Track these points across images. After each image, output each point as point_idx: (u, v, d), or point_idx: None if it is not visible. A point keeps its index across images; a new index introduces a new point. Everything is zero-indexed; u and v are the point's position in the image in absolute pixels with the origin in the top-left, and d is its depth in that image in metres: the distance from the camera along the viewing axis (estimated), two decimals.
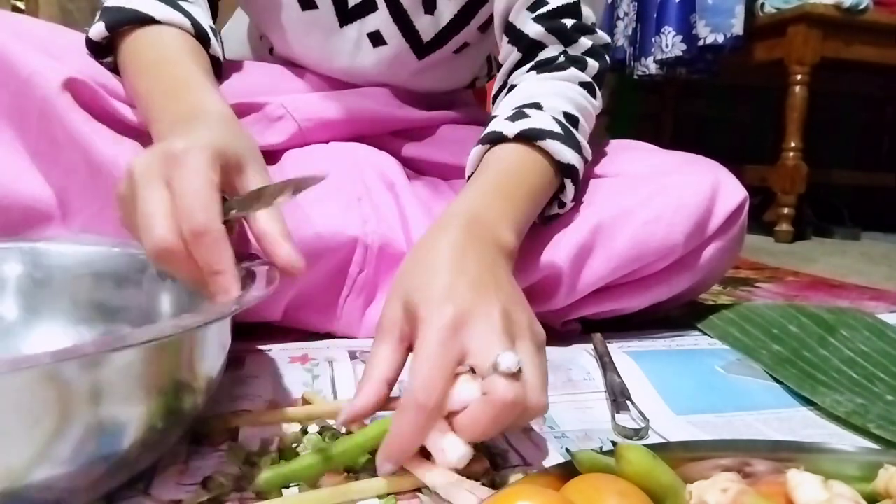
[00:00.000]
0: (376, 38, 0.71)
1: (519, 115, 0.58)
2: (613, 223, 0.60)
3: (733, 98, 2.42)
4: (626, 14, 2.08)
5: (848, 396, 0.51)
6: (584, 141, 0.60)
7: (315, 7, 0.70)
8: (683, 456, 0.32)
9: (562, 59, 0.63)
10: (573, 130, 0.59)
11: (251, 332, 0.61)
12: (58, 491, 0.30)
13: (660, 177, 0.63)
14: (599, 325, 0.65)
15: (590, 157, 0.62)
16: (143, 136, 0.54)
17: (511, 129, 0.56)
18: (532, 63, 0.64)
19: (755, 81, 2.22)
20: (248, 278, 0.40)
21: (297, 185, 0.39)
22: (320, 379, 0.52)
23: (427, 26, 0.71)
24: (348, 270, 0.62)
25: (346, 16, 0.70)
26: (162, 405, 0.33)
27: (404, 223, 0.65)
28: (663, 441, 0.44)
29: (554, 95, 0.61)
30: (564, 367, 0.56)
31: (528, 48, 0.64)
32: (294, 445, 0.40)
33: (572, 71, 0.63)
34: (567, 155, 0.57)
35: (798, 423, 0.49)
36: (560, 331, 0.64)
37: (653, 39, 1.94)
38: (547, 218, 0.61)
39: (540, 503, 0.26)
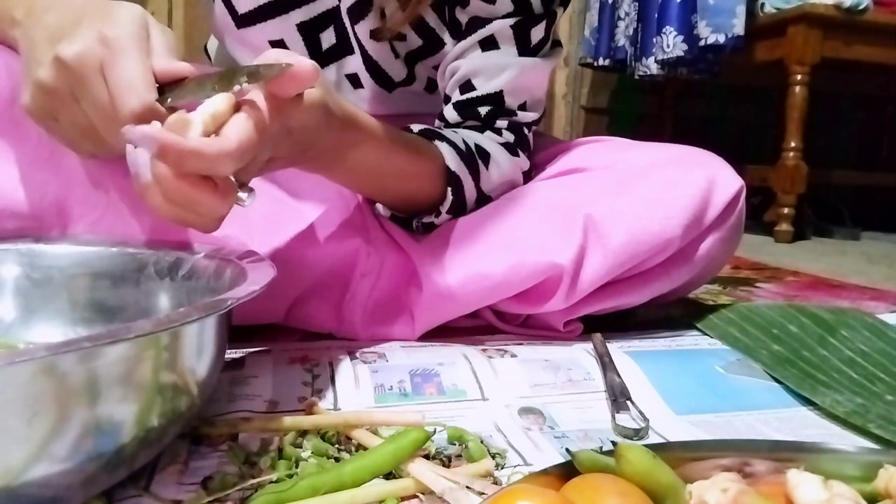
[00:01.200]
0: (355, 81, 0.72)
1: (432, 127, 0.62)
2: (609, 220, 0.60)
3: (734, 98, 2.42)
4: (627, 14, 2.08)
5: (848, 396, 0.51)
6: (485, 173, 0.64)
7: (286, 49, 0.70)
8: (683, 456, 0.32)
9: (479, 125, 0.67)
10: (476, 157, 0.63)
11: (251, 332, 0.61)
12: (54, 488, 0.30)
13: (656, 170, 0.63)
14: (600, 325, 0.65)
15: (492, 192, 0.65)
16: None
17: (417, 127, 0.60)
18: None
19: (755, 81, 2.22)
20: (242, 276, 0.40)
21: (252, 73, 0.41)
22: (320, 379, 0.52)
23: (398, 70, 0.72)
24: (349, 276, 0.62)
25: (321, 58, 0.70)
26: (157, 401, 0.33)
27: (398, 232, 0.66)
28: (663, 441, 0.44)
29: (472, 134, 0.65)
30: (564, 367, 0.56)
31: (448, 126, 0.68)
32: (295, 444, 0.40)
33: (489, 133, 0.67)
34: (456, 164, 0.60)
35: (798, 423, 0.49)
36: (563, 332, 0.64)
37: (654, 39, 1.94)
38: (423, 225, 0.64)
39: (540, 503, 0.26)
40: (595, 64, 2.22)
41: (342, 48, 0.70)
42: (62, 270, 0.49)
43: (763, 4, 1.81)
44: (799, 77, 1.74)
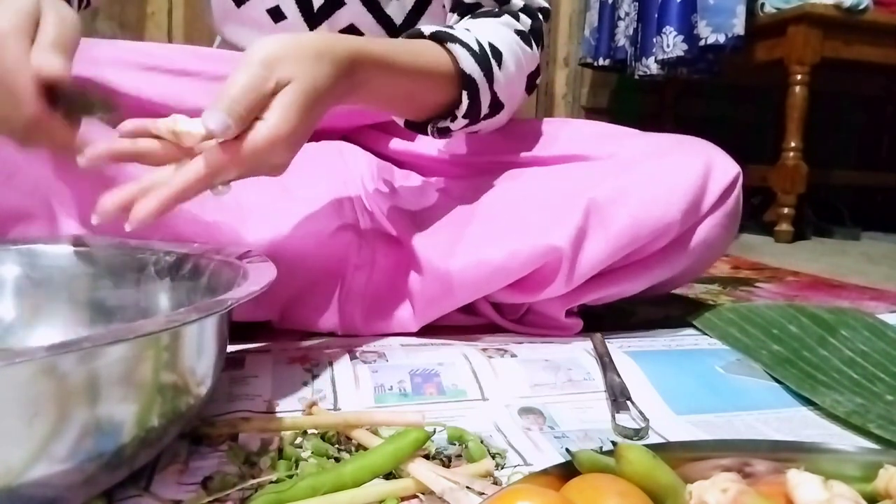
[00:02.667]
0: (352, 32, 0.73)
1: (445, 27, 0.61)
2: (610, 205, 0.60)
3: (734, 98, 2.42)
4: (626, 14, 2.08)
5: (848, 396, 0.51)
6: (498, 73, 0.63)
7: (285, 17, 0.72)
8: (683, 456, 0.32)
9: (496, 10, 0.67)
10: (490, 57, 0.62)
11: (251, 332, 0.61)
12: (55, 488, 0.30)
13: (653, 158, 0.64)
14: (600, 325, 0.65)
15: (507, 99, 0.65)
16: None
17: (428, 29, 0.60)
18: (469, 17, 0.68)
19: (755, 81, 2.21)
20: (242, 276, 0.40)
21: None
22: (320, 379, 0.52)
23: (396, 11, 0.73)
24: (343, 267, 0.62)
25: (313, 18, 0.72)
26: (157, 401, 0.33)
27: (391, 219, 0.66)
28: (663, 441, 0.44)
29: (485, 29, 0.64)
30: (564, 367, 0.56)
31: (465, 10, 0.68)
32: (295, 444, 0.40)
33: (506, 17, 0.67)
34: (470, 66, 0.60)
35: (798, 423, 0.49)
36: (563, 323, 0.64)
37: (654, 39, 1.94)
38: (439, 130, 0.64)
39: (540, 503, 0.26)
40: (595, 64, 2.21)
41: (333, 3, 0.72)
42: (62, 270, 0.49)
43: (763, 4, 1.81)
44: (799, 77, 1.74)
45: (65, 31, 0.44)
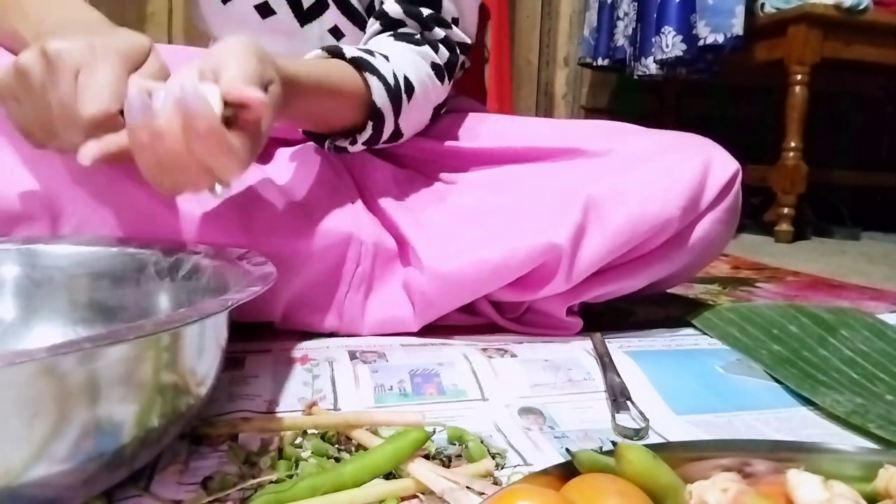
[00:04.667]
0: (336, 33, 0.74)
1: (366, 52, 0.62)
2: (608, 202, 0.60)
3: (733, 98, 2.42)
4: (626, 14, 2.08)
5: (848, 396, 0.51)
6: (406, 107, 0.64)
7: (274, 13, 0.73)
8: (683, 456, 0.32)
9: (418, 36, 0.68)
10: (402, 92, 0.63)
11: (251, 332, 0.61)
12: (54, 488, 0.30)
13: (652, 154, 0.64)
14: (600, 325, 0.65)
15: (407, 130, 0.67)
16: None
17: (351, 52, 0.60)
18: (391, 33, 0.68)
19: (755, 81, 2.21)
20: (242, 277, 0.40)
21: None
22: (320, 379, 0.52)
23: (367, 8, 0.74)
24: (343, 268, 0.62)
25: (304, 16, 0.73)
26: (158, 401, 0.33)
27: (391, 220, 0.66)
28: (663, 441, 0.44)
29: (403, 59, 0.65)
30: (564, 367, 0.56)
31: (388, 25, 0.69)
32: (295, 444, 0.40)
33: (426, 49, 0.68)
34: (381, 101, 0.61)
35: (798, 423, 0.49)
36: (564, 321, 0.64)
37: (653, 39, 1.94)
38: (336, 148, 0.65)
39: (540, 503, 0.26)
40: (594, 64, 2.22)
41: (320, 4, 0.73)
42: (62, 270, 0.49)
43: (763, 4, 1.81)
44: (799, 77, 1.74)
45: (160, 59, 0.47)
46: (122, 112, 0.42)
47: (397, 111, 0.63)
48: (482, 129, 0.74)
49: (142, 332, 0.30)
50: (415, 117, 0.67)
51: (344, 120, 0.63)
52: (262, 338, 0.61)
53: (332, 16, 0.73)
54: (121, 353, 0.30)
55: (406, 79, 0.63)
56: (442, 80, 0.69)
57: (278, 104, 0.47)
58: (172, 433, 0.36)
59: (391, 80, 0.62)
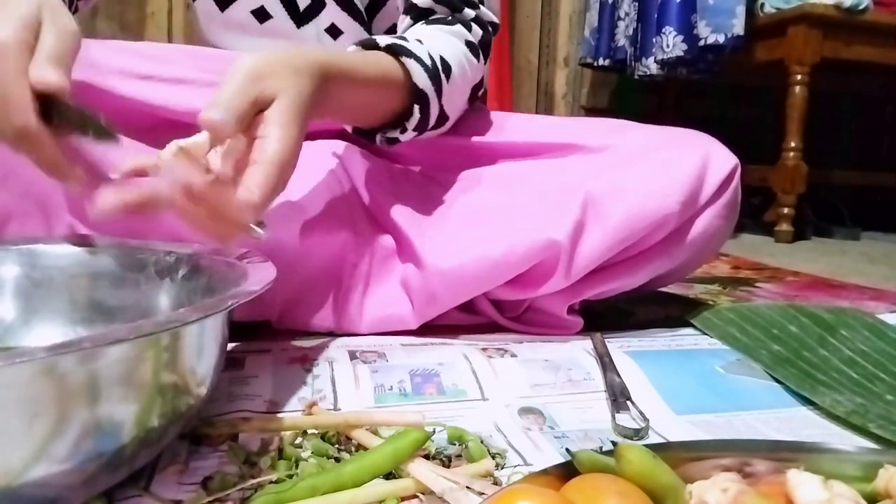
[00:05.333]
0: (333, 32, 0.74)
1: (399, 38, 0.62)
2: (607, 198, 0.60)
3: (734, 98, 2.42)
4: (626, 14, 2.08)
5: (848, 396, 0.51)
6: (447, 87, 0.64)
7: (271, 17, 0.73)
8: (683, 456, 0.31)
9: (450, 18, 0.68)
10: (440, 72, 0.63)
11: (251, 332, 0.61)
12: (54, 488, 0.30)
13: (650, 150, 0.64)
14: (600, 325, 0.65)
15: (451, 111, 0.66)
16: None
17: (384, 40, 0.61)
18: (422, 22, 0.69)
19: (755, 81, 2.22)
20: (242, 277, 0.40)
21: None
22: (320, 379, 0.52)
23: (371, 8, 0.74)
24: (341, 266, 0.62)
25: (300, 18, 0.74)
26: (157, 401, 0.33)
27: (388, 217, 0.66)
28: (663, 441, 0.44)
29: (437, 41, 0.65)
30: (564, 367, 0.56)
31: (418, 15, 0.69)
32: (295, 444, 0.40)
33: (459, 27, 0.68)
34: (423, 82, 0.61)
35: (798, 423, 0.49)
36: (564, 320, 0.64)
37: (653, 39, 1.94)
38: (388, 140, 0.65)
39: (540, 503, 0.26)
40: (595, 64, 2.22)
41: (317, 4, 0.73)
42: (62, 270, 0.49)
43: (763, 4, 1.81)
44: (799, 77, 1.74)
45: (65, 43, 0.43)
46: (44, 117, 0.42)
47: (439, 92, 0.63)
48: (480, 126, 0.74)
49: (142, 332, 0.30)
50: (457, 97, 0.67)
51: (389, 109, 0.62)
52: (262, 338, 0.61)
53: (329, 15, 0.74)
54: (121, 353, 0.30)
55: (442, 59, 0.63)
56: (478, 58, 0.69)
57: (300, 112, 0.47)
58: (172, 433, 0.36)
59: (428, 61, 0.62)
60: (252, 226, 0.44)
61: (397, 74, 0.60)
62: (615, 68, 2.19)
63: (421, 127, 0.64)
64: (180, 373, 0.35)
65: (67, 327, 0.49)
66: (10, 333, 0.48)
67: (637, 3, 2.03)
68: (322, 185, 0.66)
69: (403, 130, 0.64)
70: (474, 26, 0.69)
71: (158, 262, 0.49)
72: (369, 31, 0.76)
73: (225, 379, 0.48)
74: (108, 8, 1.93)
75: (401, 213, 0.66)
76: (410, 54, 0.61)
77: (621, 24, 2.10)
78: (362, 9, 0.74)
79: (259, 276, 0.41)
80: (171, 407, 0.34)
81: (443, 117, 0.66)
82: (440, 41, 0.65)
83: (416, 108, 0.62)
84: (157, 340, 0.32)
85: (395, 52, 0.60)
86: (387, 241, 0.65)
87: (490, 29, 0.72)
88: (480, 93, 0.73)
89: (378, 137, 0.66)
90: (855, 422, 0.47)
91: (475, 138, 0.73)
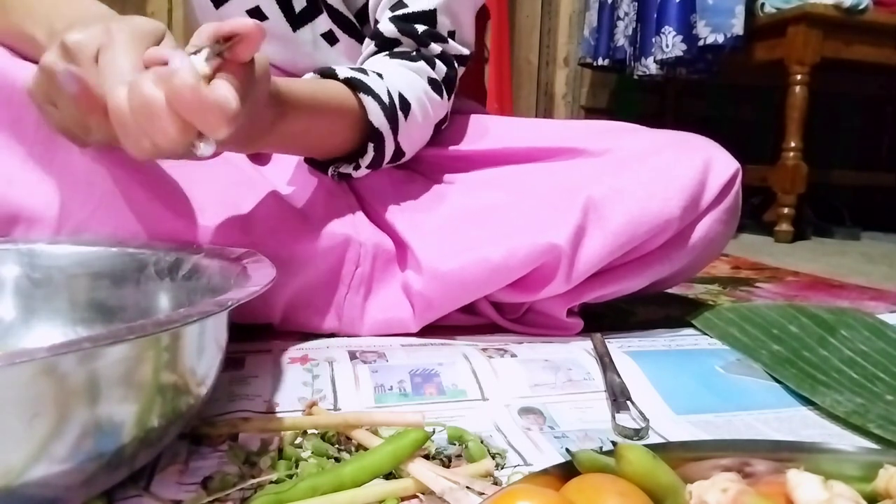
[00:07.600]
0: (330, 38, 0.74)
1: (359, 71, 0.61)
2: (608, 202, 0.60)
3: (733, 98, 2.42)
4: (626, 14, 2.08)
5: (848, 396, 0.51)
6: (405, 125, 0.63)
7: (266, 18, 0.73)
8: (683, 456, 0.32)
9: (414, 53, 0.68)
10: (398, 110, 0.63)
11: (251, 332, 0.61)
12: (54, 488, 0.30)
13: (651, 154, 0.64)
14: (600, 325, 0.65)
15: (409, 148, 0.66)
16: None
17: (344, 72, 0.60)
18: (386, 52, 0.68)
19: (755, 81, 2.22)
20: (243, 277, 0.40)
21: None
22: (320, 379, 0.52)
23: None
24: (342, 269, 0.62)
25: (295, 20, 0.73)
26: (158, 401, 0.33)
27: (389, 222, 0.66)
28: (663, 441, 0.44)
29: (398, 77, 0.64)
30: (564, 367, 0.56)
31: (383, 44, 0.69)
32: (295, 444, 0.40)
33: (422, 64, 0.67)
34: (378, 120, 0.61)
35: (798, 423, 0.49)
36: (564, 322, 0.64)
37: (653, 39, 1.94)
38: (338, 174, 0.65)
39: (540, 503, 0.26)
40: (594, 64, 2.22)
41: (313, 8, 0.73)
42: (62, 270, 0.49)
43: (763, 4, 1.81)
44: (799, 77, 1.74)
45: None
46: None
47: (395, 130, 0.63)
48: (481, 131, 0.74)
49: (142, 332, 0.30)
50: (415, 134, 0.67)
51: (342, 143, 0.62)
52: (262, 338, 0.61)
53: (326, 21, 0.73)
54: (121, 353, 0.30)
55: (401, 96, 0.63)
56: (440, 95, 0.69)
57: (263, 66, 0.45)
58: (172, 433, 0.36)
59: (386, 99, 0.61)
60: (198, 142, 0.40)
61: (352, 107, 0.60)
62: (615, 68, 2.19)
63: (374, 164, 0.64)
64: (180, 373, 0.35)
65: (67, 327, 0.49)
66: (10, 333, 0.48)
67: (636, 3, 2.03)
68: (323, 188, 0.66)
69: (357, 167, 0.64)
70: (438, 63, 0.69)
71: (158, 262, 0.49)
72: (362, 42, 0.75)
73: (225, 379, 0.48)
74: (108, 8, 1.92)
75: (401, 217, 0.66)
76: (368, 90, 0.60)
77: (621, 24, 2.11)
78: (351, 17, 0.74)
79: (259, 277, 0.41)
80: (171, 407, 0.34)
81: (399, 154, 0.66)
82: (401, 78, 0.65)
83: (371, 145, 0.62)
84: (157, 340, 0.32)
85: (353, 86, 0.60)
86: (388, 244, 0.65)
87: (456, 64, 0.71)
88: (444, 126, 0.72)
89: (331, 170, 0.65)
90: (855, 422, 0.47)
91: (475, 146, 0.72)
